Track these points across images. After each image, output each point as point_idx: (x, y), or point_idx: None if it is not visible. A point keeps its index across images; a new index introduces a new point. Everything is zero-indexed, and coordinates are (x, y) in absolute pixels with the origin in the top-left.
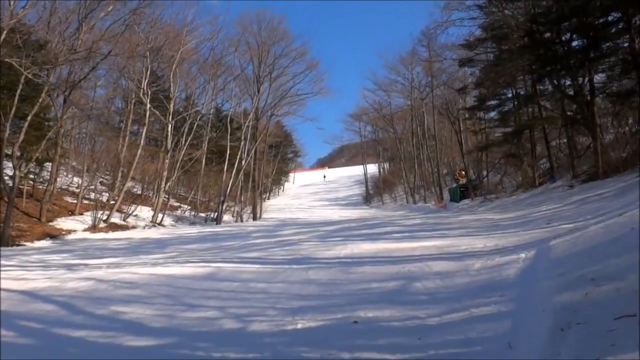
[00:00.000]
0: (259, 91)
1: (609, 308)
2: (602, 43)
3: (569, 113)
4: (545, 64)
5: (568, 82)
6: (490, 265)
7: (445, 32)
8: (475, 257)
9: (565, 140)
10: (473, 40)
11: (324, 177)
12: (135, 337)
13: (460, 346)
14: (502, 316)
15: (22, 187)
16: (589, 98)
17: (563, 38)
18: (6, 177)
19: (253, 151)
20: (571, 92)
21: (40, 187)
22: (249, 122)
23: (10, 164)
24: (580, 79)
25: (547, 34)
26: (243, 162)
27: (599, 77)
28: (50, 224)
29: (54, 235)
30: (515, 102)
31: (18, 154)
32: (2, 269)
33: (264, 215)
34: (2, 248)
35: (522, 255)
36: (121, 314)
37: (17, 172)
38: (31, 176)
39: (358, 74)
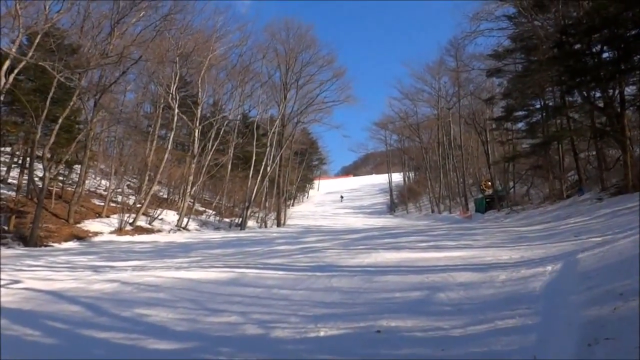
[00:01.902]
0: (285, 98)
1: (637, 324)
2: (634, 55)
3: (598, 125)
4: (575, 75)
5: (598, 94)
6: (515, 277)
7: (473, 42)
8: (501, 268)
9: (594, 153)
10: (501, 50)
11: (341, 198)
12: (159, 340)
13: (484, 358)
14: (528, 329)
15: (51, 188)
16: (619, 110)
17: (593, 49)
18: (36, 179)
19: (278, 158)
20: (601, 104)
21: (69, 189)
22: (275, 128)
23: (40, 166)
24: (611, 91)
25: (577, 45)
26: (268, 168)
27: (629, 90)
28: (78, 225)
29: (81, 236)
30: (544, 114)
31: (48, 155)
32: (30, 269)
33: (288, 222)
34: (30, 248)
35: (549, 267)
36: (145, 316)
37: (47, 174)
38: (60, 178)
39: (384, 83)
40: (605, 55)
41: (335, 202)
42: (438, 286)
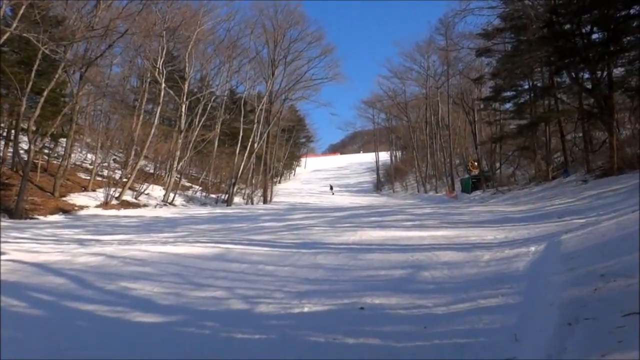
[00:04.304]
0: (273, 74)
1: (617, 304)
2: (623, 37)
3: (586, 107)
4: (564, 56)
5: (586, 76)
6: (499, 257)
7: (463, 20)
8: (485, 248)
9: (580, 135)
10: (491, 29)
11: (331, 188)
12: (144, 314)
13: (465, 336)
14: (510, 308)
15: (36, 161)
16: (607, 92)
17: (583, 30)
18: (21, 151)
19: (266, 134)
20: (589, 86)
21: (55, 162)
22: (263, 105)
23: (25, 138)
24: (599, 73)
25: (567, 26)
26: (255, 145)
27: (618, 71)
28: (64, 199)
29: (66, 210)
30: (532, 94)
31: (34, 128)
32: (16, 241)
33: (275, 199)
34: (16, 220)
35: (532, 248)
36: (130, 290)
37: (32, 147)
38: (46, 151)
39: (373, 62)
40: (594, 36)
41: (322, 179)
42: (422, 265)
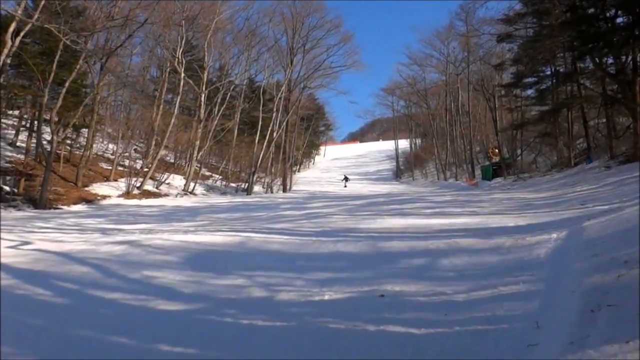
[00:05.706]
0: (292, 63)
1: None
2: None
3: (609, 92)
4: (587, 40)
5: (610, 61)
6: (520, 244)
7: (484, 5)
8: (506, 235)
9: (604, 120)
10: (513, 15)
11: (345, 179)
12: (166, 302)
13: (486, 323)
14: (531, 295)
15: (59, 152)
16: (631, 77)
17: (607, 14)
18: (44, 142)
19: (285, 123)
20: (613, 71)
21: (77, 152)
22: (282, 93)
23: (48, 129)
24: (623, 58)
25: (591, 10)
26: (274, 133)
27: None
28: (86, 188)
29: (89, 199)
30: (554, 80)
31: (56, 119)
32: (40, 231)
33: (294, 188)
34: (40, 210)
35: (554, 235)
36: (153, 278)
37: (54, 137)
38: (68, 141)
39: (392, 49)
40: (619, 20)
41: (341, 168)
42: (442, 252)
